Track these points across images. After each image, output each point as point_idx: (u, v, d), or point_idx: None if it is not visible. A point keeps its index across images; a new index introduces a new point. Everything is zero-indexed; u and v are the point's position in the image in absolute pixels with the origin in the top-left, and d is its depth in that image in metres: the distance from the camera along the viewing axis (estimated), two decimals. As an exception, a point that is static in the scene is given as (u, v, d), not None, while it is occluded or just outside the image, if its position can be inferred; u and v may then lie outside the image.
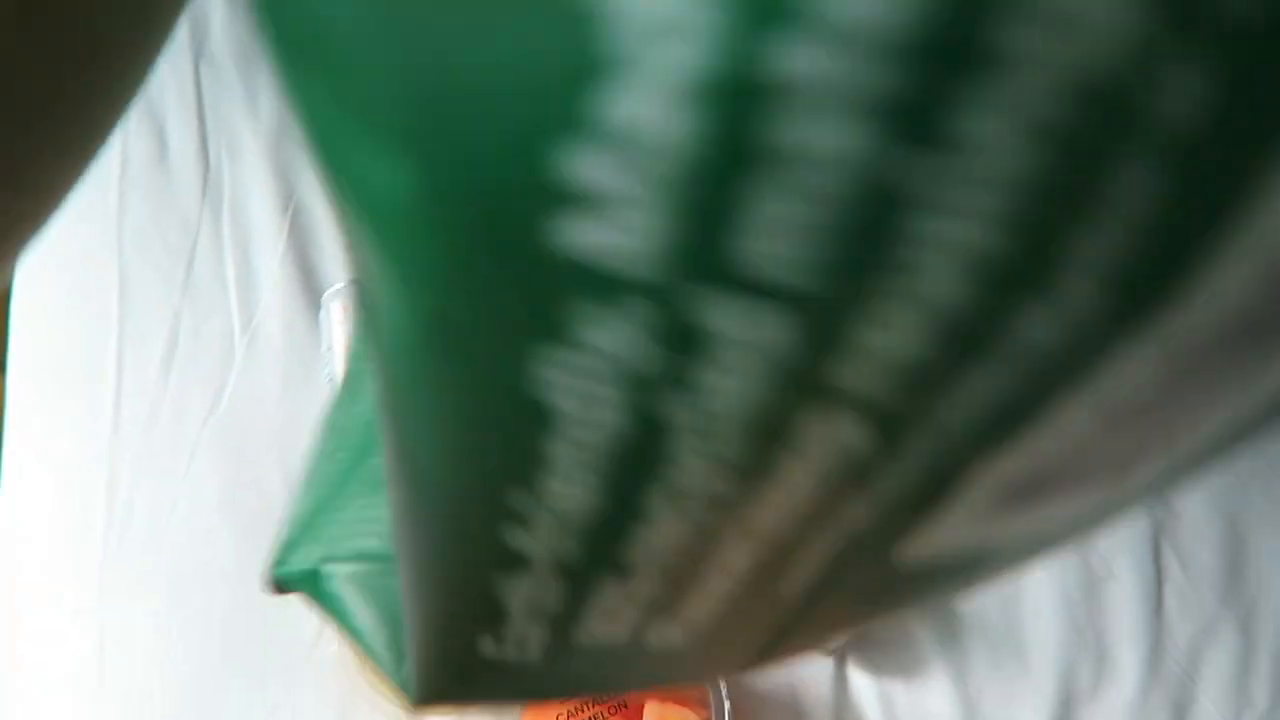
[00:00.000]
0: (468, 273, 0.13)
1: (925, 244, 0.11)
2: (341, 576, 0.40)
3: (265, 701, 0.55)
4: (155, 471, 0.61)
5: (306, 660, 0.56)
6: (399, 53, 0.11)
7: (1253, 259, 0.11)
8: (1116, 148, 0.10)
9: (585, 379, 0.14)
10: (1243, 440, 0.16)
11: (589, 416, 0.15)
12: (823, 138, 0.10)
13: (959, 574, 0.20)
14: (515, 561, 0.19)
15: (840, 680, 0.54)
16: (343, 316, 0.60)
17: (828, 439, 0.14)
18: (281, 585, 0.39)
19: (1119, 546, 0.55)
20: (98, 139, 0.20)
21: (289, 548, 0.39)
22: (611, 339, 0.13)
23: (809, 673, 0.54)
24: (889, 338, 0.12)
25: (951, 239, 0.11)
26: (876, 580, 0.20)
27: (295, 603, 0.59)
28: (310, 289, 0.66)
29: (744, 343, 0.13)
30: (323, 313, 0.61)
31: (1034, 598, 0.55)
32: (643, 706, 0.49)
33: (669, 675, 0.27)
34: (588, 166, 0.11)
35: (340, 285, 0.61)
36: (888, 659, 0.54)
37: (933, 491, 0.16)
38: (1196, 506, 0.56)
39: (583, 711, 0.49)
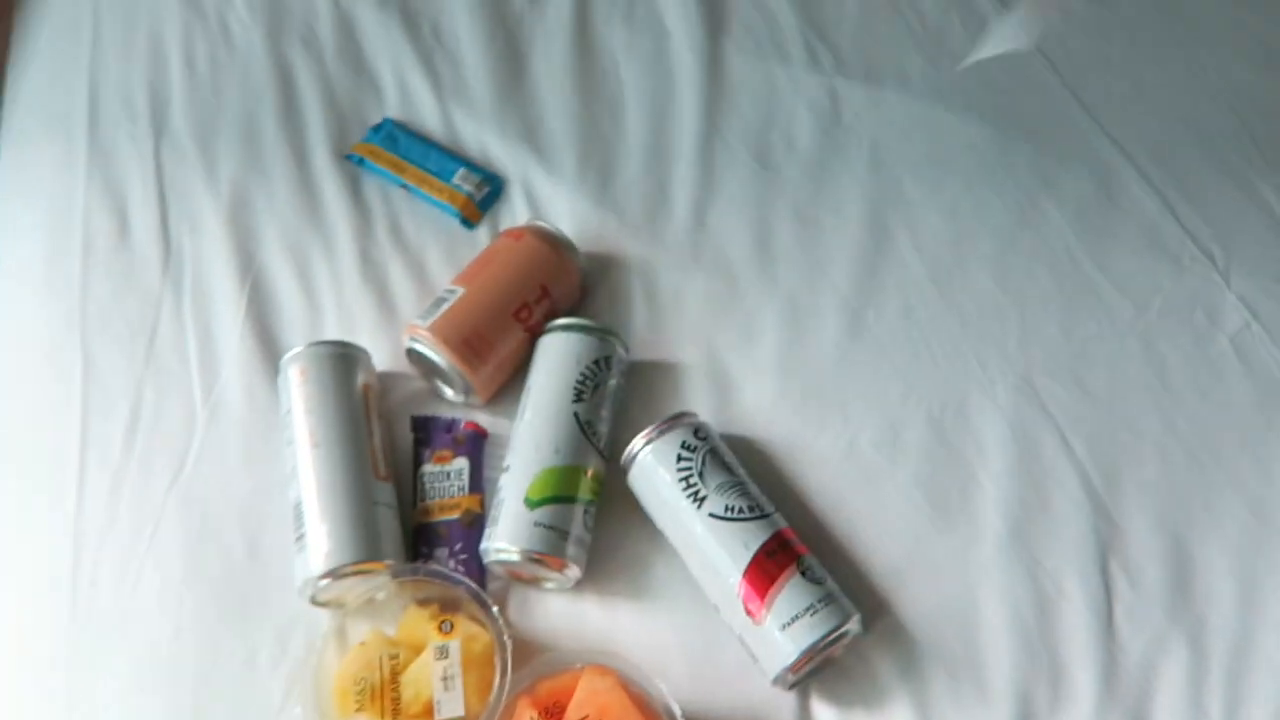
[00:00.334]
0: None
1: None
2: None
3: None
4: (119, 544, 0.61)
5: (273, 722, 0.56)
6: None
7: None
8: None
9: None
10: None
11: None
12: None
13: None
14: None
15: (804, 713, 0.55)
16: (300, 379, 0.61)
17: None
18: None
19: (1067, 566, 0.56)
20: None
21: None
22: None
23: (772, 707, 0.55)
24: None
25: None
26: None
27: (263, 669, 0.59)
28: (269, 355, 0.67)
29: None
30: (281, 376, 0.62)
31: (989, 622, 0.55)
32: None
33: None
34: None
35: (298, 349, 0.62)
36: (850, 690, 0.55)
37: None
38: (1141, 524, 0.57)
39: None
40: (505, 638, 0.54)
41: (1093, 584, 0.56)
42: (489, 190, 0.74)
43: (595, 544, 0.59)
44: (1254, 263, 0.69)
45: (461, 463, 0.63)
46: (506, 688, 0.52)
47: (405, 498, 0.62)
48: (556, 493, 0.57)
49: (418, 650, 0.55)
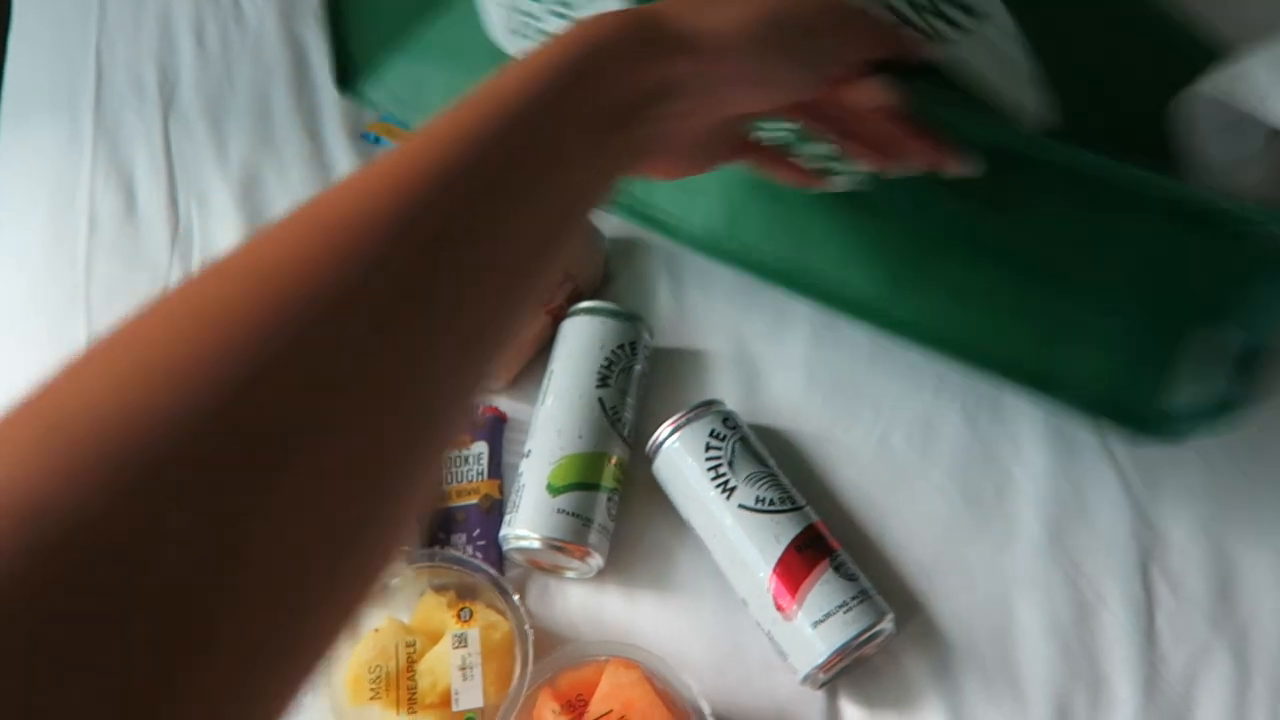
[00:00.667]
0: None
1: None
2: None
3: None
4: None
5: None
6: None
7: None
8: None
9: None
10: None
11: None
12: None
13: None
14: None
15: (832, 712, 0.53)
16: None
17: None
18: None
19: (1107, 571, 0.54)
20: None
21: None
22: None
23: (800, 705, 0.53)
24: None
25: None
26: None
27: None
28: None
29: None
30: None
31: (1025, 626, 0.53)
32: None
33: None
34: None
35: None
36: (880, 690, 0.53)
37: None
38: (1183, 530, 0.55)
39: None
40: (526, 627, 0.52)
41: (1133, 590, 0.54)
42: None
43: (618, 533, 0.57)
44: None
45: (480, 447, 0.60)
46: (527, 679, 0.50)
47: (420, 482, 0.60)
48: (579, 479, 0.55)
49: (434, 638, 0.53)
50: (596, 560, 0.55)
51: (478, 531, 0.58)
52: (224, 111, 0.76)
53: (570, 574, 0.57)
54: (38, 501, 0.18)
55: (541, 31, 0.54)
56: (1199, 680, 0.52)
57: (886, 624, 0.51)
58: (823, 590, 0.51)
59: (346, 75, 0.56)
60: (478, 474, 0.60)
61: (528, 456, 0.57)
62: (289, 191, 0.72)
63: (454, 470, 0.60)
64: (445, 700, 0.50)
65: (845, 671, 0.52)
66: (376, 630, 0.53)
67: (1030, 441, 0.58)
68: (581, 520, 0.55)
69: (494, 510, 0.59)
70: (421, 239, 0.24)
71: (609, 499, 0.56)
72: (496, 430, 0.61)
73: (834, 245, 0.55)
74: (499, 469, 0.60)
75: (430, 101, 0.54)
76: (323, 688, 0.51)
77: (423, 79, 0.57)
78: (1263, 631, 0.53)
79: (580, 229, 0.33)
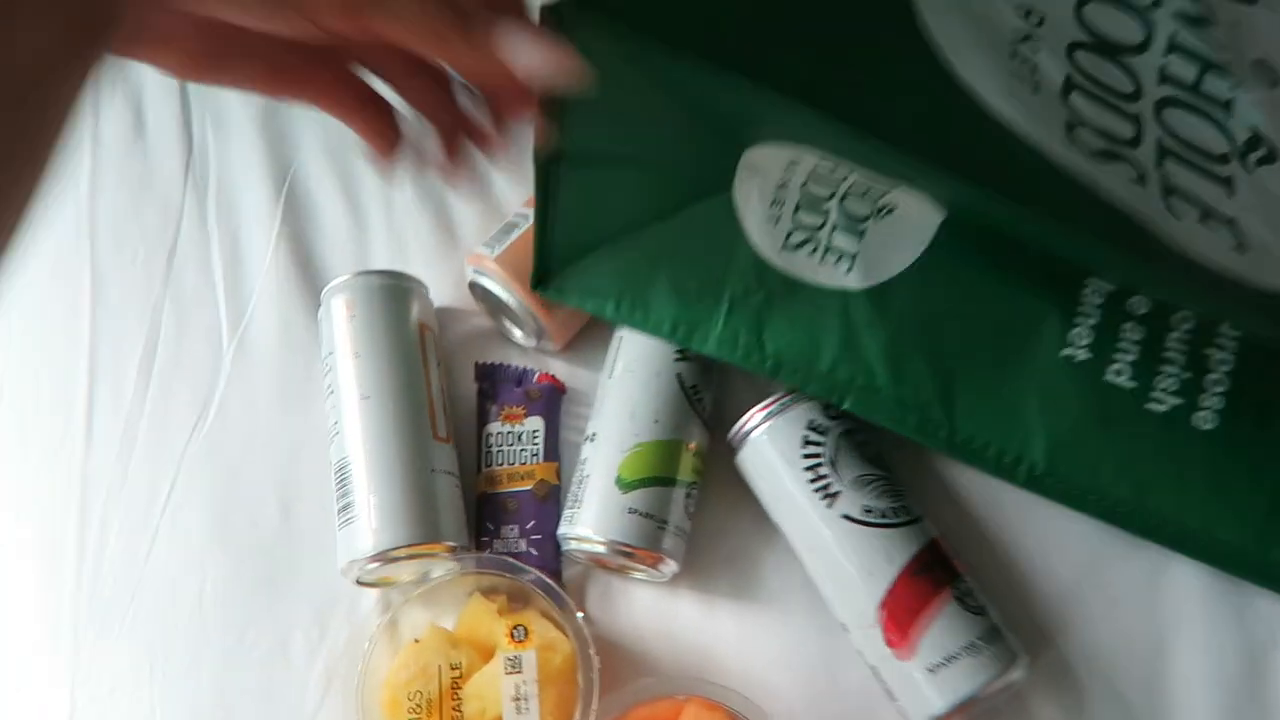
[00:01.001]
0: None
1: None
2: None
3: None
4: (132, 502, 0.52)
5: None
6: None
7: None
8: None
9: None
10: None
11: None
12: None
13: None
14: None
15: (942, 759, 0.45)
16: (346, 314, 0.50)
17: None
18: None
19: (1284, 605, 0.45)
20: None
21: None
22: None
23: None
24: None
25: None
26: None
27: (298, 655, 0.51)
28: (307, 280, 0.57)
29: None
30: (322, 310, 0.52)
31: (1181, 672, 0.45)
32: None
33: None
34: None
35: (344, 278, 0.52)
36: (1001, 737, 0.45)
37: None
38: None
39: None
40: (592, 652, 0.44)
41: (1315, 628, 0.45)
42: (570, 91, 0.62)
43: (695, 528, 0.49)
44: None
45: (535, 423, 0.52)
46: (593, 715, 0.43)
47: (467, 462, 0.52)
48: (654, 472, 0.47)
49: (482, 650, 0.46)
50: (671, 567, 0.48)
51: (532, 523, 0.50)
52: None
53: (639, 575, 0.49)
54: None
55: (829, 248, 0.47)
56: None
57: (1018, 671, 0.43)
58: (944, 627, 0.43)
59: (543, 279, 0.50)
60: (532, 455, 0.52)
61: (592, 440, 0.49)
62: (317, 113, 0.63)
63: (504, 450, 0.52)
64: (493, 730, 0.44)
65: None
66: (417, 642, 0.46)
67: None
68: (655, 522, 0.47)
69: (550, 498, 0.51)
70: None
71: (687, 495, 0.48)
72: (554, 403, 0.53)
73: (1192, 488, 0.44)
74: (556, 450, 0.52)
75: (636, 297, 0.49)
76: (355, 708, 0.45)
77: (633, 275, 0.49)
78: None
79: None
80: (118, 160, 0.62)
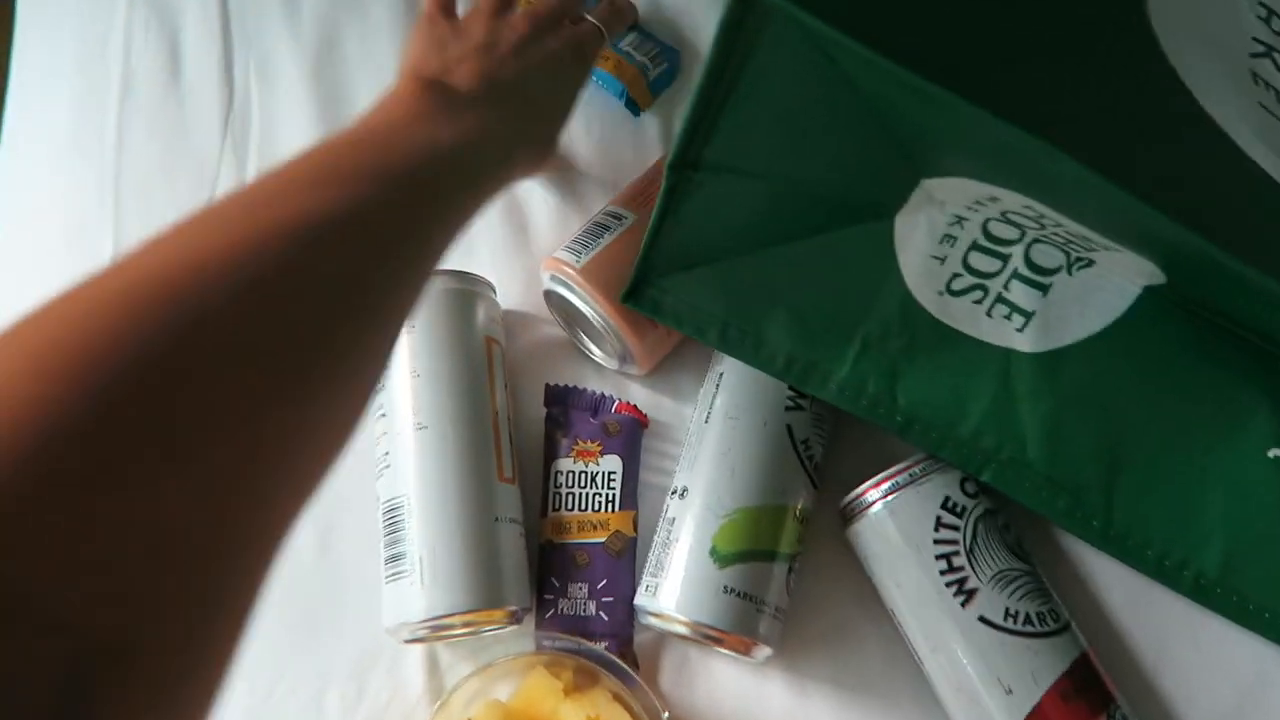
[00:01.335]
0: None
1: None
2: None
3: None
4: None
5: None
6: None
7: None
8: None
9: None
10: None
11: None
12: None
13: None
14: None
15: None
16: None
17: None
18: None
19: None
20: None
21: None
22: None
23: None
24: None
25: None
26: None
27: (332, 713, 0.44)
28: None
29: None
30: (375, 316, 0.45)
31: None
32: None
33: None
34: None
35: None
36: None
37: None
38: None
39: None
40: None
41: None
42: (666, 67, 0.53)
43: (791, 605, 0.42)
44: None
45: (612, 463, 0.45)
46: (669, 829, 0.37)
47: (531, 497, 0.45)
48: (755, 544, 0.40)
49: (540, 729, 0.40)
50: (764, 653, 0.41)
51: (604, 583, 0.44)
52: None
53: (724, 651, 0.43)
54: None
55: (1001, 300, 0.39)
56: None
57: (1179, 817, 0.36)
58: (1096, 764, 0.36)
59: (638, 291, 0.42)
60: (608, 502, 0.45)
61: (682, 497, 0.42)
62: (374, 65, 0.55)
63: (575, 493, 0.45)
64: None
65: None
66: None
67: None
68: (753, 604, 0.40)
69: (626, 553, 0.44)
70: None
71: (789, 570, 0.41)
72: (634, 440, 0.46)
73: None
74: (634, 496, 0.45)
75: (748, 325, 0.42)
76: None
77: (748, 298, 0.42)
78: None
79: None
80: (149, 107, 0.55)
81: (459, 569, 0.40)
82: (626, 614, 0.43)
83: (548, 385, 0.47)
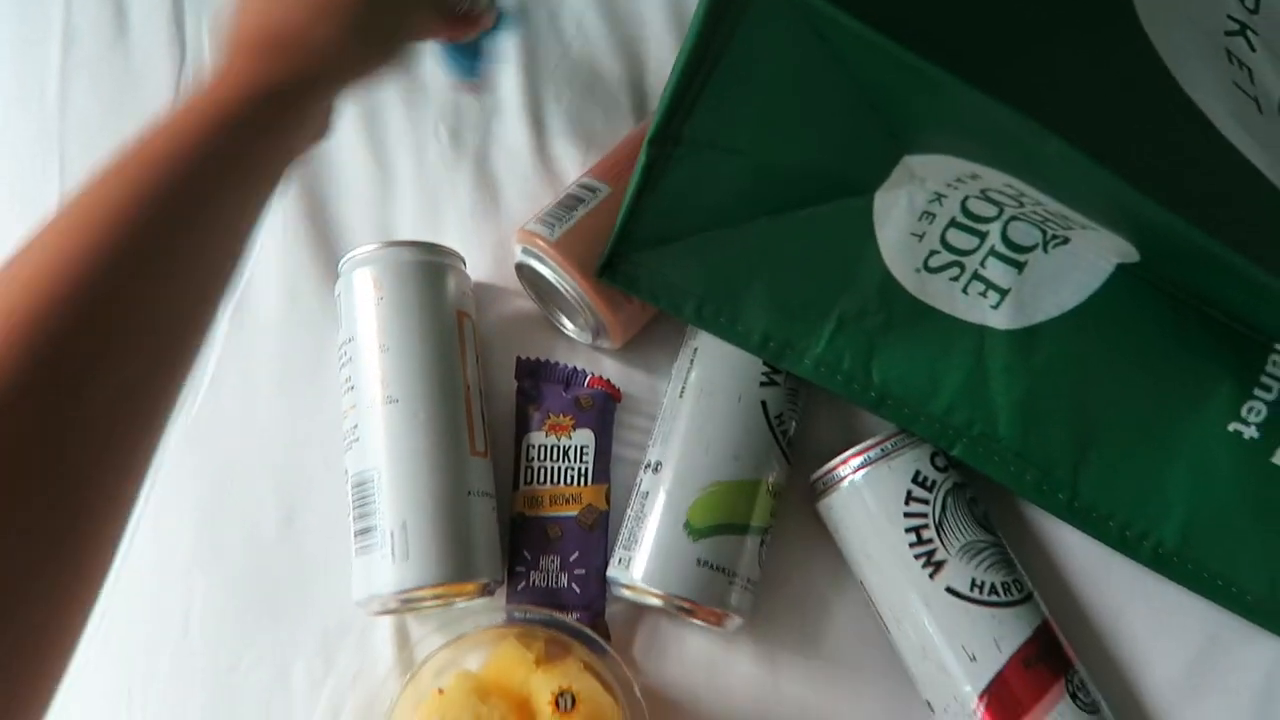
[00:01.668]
0: None
1: None
2: None
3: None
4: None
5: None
6: None
7: None
8: None
9: None
10: None
11: None
12: None
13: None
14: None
15: None
16: (374, 295, 0.42)
17: None
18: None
19: None
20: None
21: None
22: None
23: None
24: None
25: None
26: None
27: (299, 688, 0.44)
28: (321, 242, 0.48)
29: None
30: (341, 284, 0.44)
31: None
32: None
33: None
34: None
35: (369, 248, 0.43)
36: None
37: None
38: None
39: None
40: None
41: None
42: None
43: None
44: None
45: (585, 436, 0.45)
46: (645, 799, 0.38)
47: (502, 474, 0.45)
48: (729, 518, 0.41)
49: (514, 702, 0.40)
50: (735, 623, 0.42)
51: (576, 555, 0.44)
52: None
53: (695, 622, 0.43)
54: None
55: (978, 277, 0.39)
56: None
57: (1131, 776, 0.38)
58: (1055, 725, 0.37)
59: (614, 265, 0.42)
60: (580, 476, 0.45)
61: (655, 470, 0.42)
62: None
63: (547, 466, 0.45)
64: (536, 799, 0.38)
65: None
66: (440, 691, 0.40)
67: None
68: (724, 575, 0.40)
69: (598, 526, 0.44)
70: None
71: (761, 543, 0.42)
72: (607, 414, 0.46)
73: None
74: (607, 470, 0.45)
75: (724, 301, 0.42)
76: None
77: (725, 274, 0.42)
78: None
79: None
80: (93, 61, 0.52)
81: (431, 542, 0.40)
82: (599, 586, 0.44)
83: (519, 358, 0.47)
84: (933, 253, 0.39)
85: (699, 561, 0.40)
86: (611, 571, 0.42)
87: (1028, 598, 0.40)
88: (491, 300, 0.48)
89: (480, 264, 0.48)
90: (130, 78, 0.52)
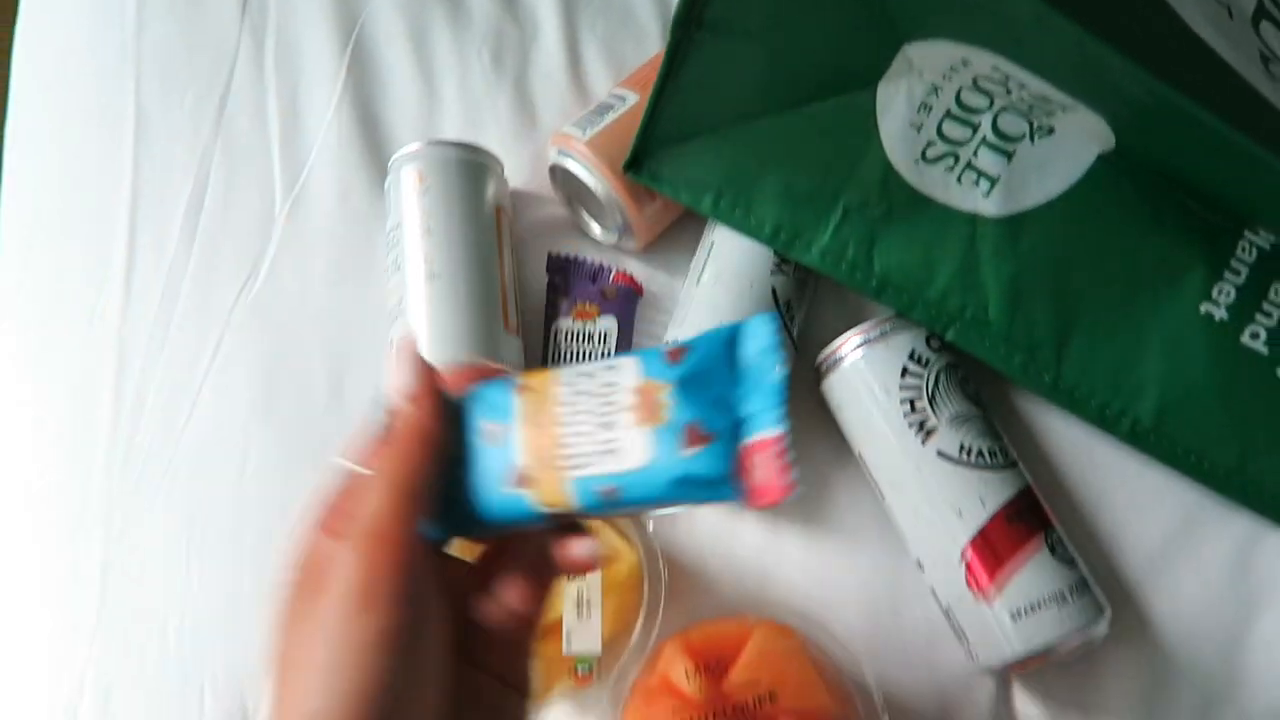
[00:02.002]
0: None
1: None
2: None
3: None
4: (174, 360, 0.49)
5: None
6: None
7: None
8: None
9: None
10: None
11: None
12: None
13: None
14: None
15: (1002, 704, 0.44)
16: (418, 187, 0.47)
17: None
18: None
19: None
20: None
21: None
22: None
23: (964, 691, 0.44)
24: None
25: None
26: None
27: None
28: (371, 147, 0.53)
29: None
30: (390, 180, 0.48)
31: (1266, 641, 0.44)
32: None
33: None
34: None
35: (416, 146, 0.48)
36: (1068, 691, 0.44)
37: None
38: None
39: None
40: (661, 564, 0.42)
41: None
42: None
43: (767, 455, 0.47)
44: None
45: (609, 323, 0.49)
46: (656, 628, 0.41)
47: (533, 357, 0.49)
48: (738, 389, 0.45)
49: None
50: (744, 488, 0.45)
51: (598, 428, 0.48)
52: None
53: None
54: None
55: (970, 166, 0.43)
56: None
57: (1100, 627, 0.41)
58: (1032, 574, 0.41)
59: (640, 160, 0.45)
60: (603, 358, 0.48)
61: (672, 348, 0.46)
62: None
63: (573, 349, 0.49)
64: (554, 632, 0.42)
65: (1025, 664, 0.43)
66: (474, 537, 0.44)
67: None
68: (735, 440, 0.44)
69: (619, 404, 0.48)
70: None
71: (768, 415, 0.46)
72: (629, 305, 0.50)
73: None
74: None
75: (740, 193, 0.45)
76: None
77: (740, 168, 0.45)
78: None
79: None
80: (166, -8, 0.57)
81: (469, 401, 0.44)
82: (618, 459, 0.47)
83: (550, 254, 0.51)
84: (929, 144, 0.43)
85: (710, 426, 0.44)
86: (630, 438, 0.46)
87: (1013, 464, 0.43)
88: (526, 206, 0.52)
89: (517, 175, 0.52)
90: (201, 4, 0.57)
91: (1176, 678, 0.44)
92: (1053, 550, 0.42)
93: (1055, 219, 0.42)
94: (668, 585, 0.42)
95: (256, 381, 0.49)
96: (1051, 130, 0.42)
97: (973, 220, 0.43)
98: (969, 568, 0.41)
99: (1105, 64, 0.33)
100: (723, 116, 0.44)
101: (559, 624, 0.42)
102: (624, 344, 0.49)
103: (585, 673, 0.42)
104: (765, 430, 0.24)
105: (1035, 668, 0.42)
